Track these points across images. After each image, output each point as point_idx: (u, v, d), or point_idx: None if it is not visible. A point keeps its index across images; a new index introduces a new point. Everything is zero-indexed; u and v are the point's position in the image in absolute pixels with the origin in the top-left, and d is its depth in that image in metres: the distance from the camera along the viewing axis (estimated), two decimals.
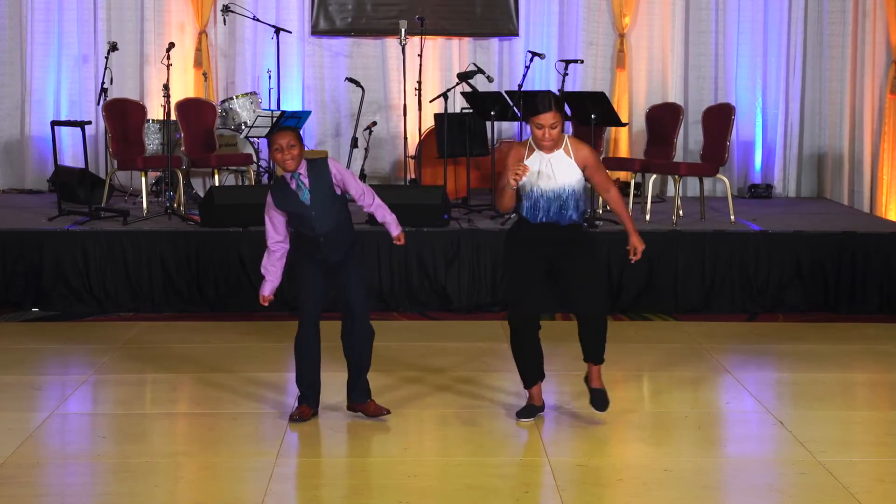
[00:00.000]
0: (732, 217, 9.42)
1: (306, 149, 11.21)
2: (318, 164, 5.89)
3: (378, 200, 5.99)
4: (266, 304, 6.04)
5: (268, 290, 6.00)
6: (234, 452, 5.57)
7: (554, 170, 5.73)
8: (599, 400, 5.98)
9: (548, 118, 5.65)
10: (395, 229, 6.00)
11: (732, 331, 8.24)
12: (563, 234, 5.78)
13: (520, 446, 5.74)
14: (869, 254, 8.77)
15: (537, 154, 5.75)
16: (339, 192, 5.87)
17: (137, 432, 5.88)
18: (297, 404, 6.06)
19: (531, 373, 5.99)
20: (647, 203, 9.48)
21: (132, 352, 7.49)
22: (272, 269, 5.97)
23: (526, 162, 5.73)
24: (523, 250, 5.82)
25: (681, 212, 9.45)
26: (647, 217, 9.32)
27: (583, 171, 5.78)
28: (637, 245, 5.93)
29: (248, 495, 5.03)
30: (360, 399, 6.06)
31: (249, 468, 5.34)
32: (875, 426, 6.20)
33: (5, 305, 8.57)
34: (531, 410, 6.02)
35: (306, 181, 5.82)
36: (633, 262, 5.95)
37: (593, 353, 5.96)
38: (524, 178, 5.69)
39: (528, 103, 5.81)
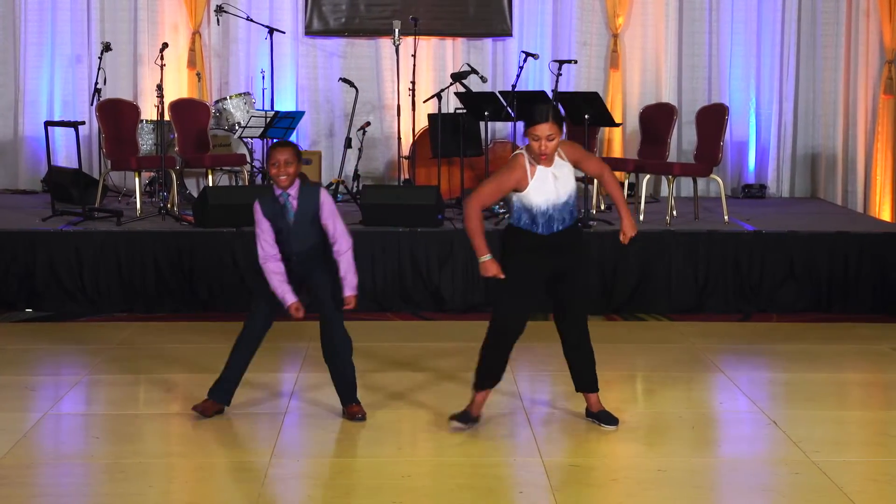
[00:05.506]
0: (726, 217, 9.42)
1: (300, 149, 11.36)
2: (310, 191, 5.87)
3: (349, 253, 5.84)
4: (301, 315, 5.82)
5: (290, 297, 5.84)
6: (228, 453, 5.57)
7: (559, 181, 5.59)
8: (608, 417, 5.92)
9: (544, 129, 5.45)
10: (348, 290, 5.83)
11: (726, 331, 8.25)
12: (569, 237, 5.66)
13: (514, 446, 5.72)
14: (862, 254, 8.79)
15: (540, 169, 5.57)
16: (321, 221, 5.83)
17: (131, 433, 5.87)
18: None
19: (494, 375, 5.80)
20: (640, 203, 9.48)
21: (126, 352, 7.48)
22: (279, 277, 5.82)
23: (532, 179, 5.53)
24: (530, 255, 5.63)
25: (674, 212, 9.45)
26: (641, 217, 9.32)
27: (575, 166, 5.65)
28: (628, 231, 5.75)
29: (241, 496, 5.02)
30: (345, 401, 6.06)
31: (243, 469, 5.33)
32: (868, 426, 6.21)
33: None
34: (467, 417, 5.85)
35: (294, 203, 5.83)
36: (623, 242, 5.78)
37: (588, 380, 5.90)
38: (535, 197, 5.55)
39: (526, 113, 5.61)
